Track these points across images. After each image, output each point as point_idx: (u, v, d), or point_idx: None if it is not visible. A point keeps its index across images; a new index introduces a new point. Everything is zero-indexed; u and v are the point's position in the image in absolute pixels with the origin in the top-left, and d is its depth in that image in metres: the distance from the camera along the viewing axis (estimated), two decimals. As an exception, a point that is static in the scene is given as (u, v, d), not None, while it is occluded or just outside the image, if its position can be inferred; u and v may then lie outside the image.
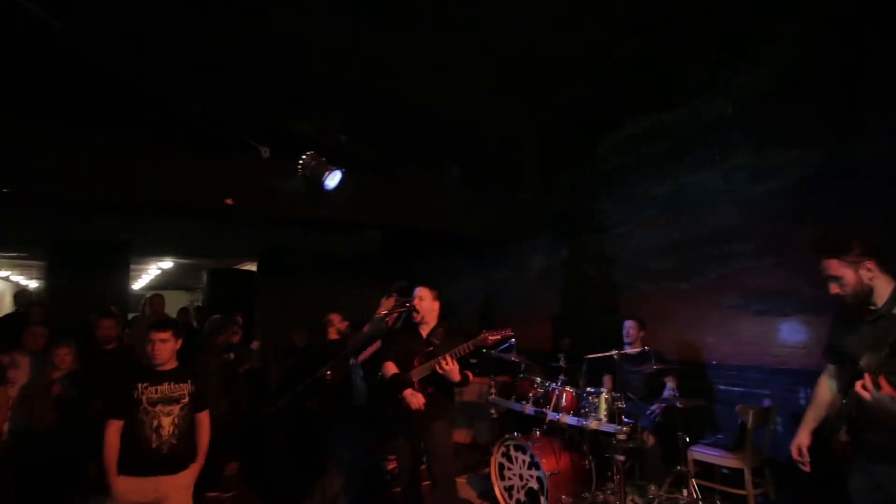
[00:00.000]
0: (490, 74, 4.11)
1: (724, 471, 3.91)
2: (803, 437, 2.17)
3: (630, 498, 3.82)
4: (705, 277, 4.67)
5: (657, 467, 4.00)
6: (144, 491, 2.56)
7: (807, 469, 2.12)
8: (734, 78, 4.40)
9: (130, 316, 7.26)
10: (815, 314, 3.94)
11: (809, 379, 3.95)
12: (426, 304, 3.22)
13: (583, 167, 5.81)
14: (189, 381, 2.77)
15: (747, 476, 3.69)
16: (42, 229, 6.63)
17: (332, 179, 3.89)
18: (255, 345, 5.59)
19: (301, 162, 3.82)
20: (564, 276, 6.03)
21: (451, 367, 2.89)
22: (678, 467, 3.82)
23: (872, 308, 1.99)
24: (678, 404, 3.77)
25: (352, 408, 3.86)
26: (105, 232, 6.80)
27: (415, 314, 3.21)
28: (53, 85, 3.61)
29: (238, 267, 9.60)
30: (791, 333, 4.12)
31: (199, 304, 11.23)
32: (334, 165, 3.86)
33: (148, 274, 12.04)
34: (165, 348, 2.70)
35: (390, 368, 3.22)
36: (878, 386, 1.70)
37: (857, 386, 1.77)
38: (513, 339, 4.27)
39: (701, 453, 3.93)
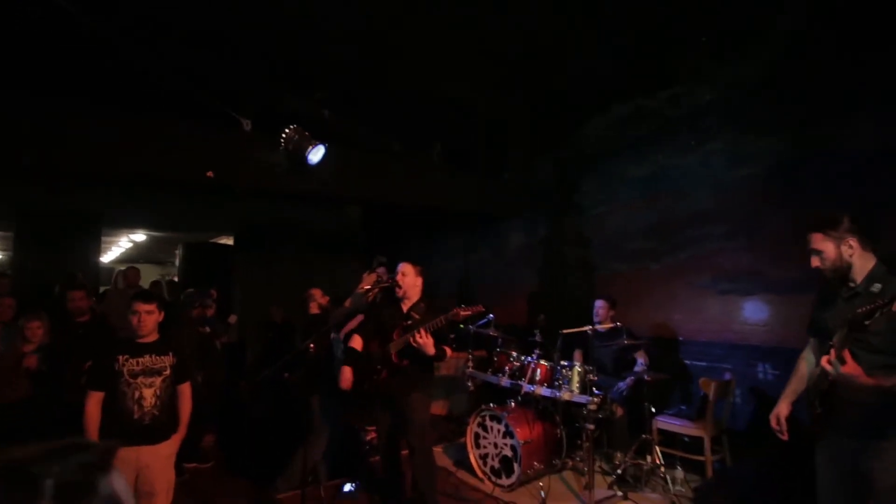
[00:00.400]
0: (480, 55, 4.11)
1: (686, 439, 4.15)
2: (782, 408, 2.20)
3: (598, 464, 4.03)
4: (678, 258, 4.85)
5: (624, 436, 4.22)
6: (126, 461, 2.57)
7: (784, 438, 2.15)
8: (719, 66, 4.50)
9: (102, 289, 7.11)
10: (776, 294, 4.18)
11: (768, 355, 4.24)
12: (409, 279, 3.31)
13: (567, 148, 5.89)
14: (171, 354, 2.77)
15: (706, 444, 3.93)
16: (9, 199, 6.38)
17: (316, 154, 3.87)
18: (232, 319, 5.58)
19: (284, 136, 3.78)
20: (542, 256, 6.16)
21: (424, 341, 2.97)
22: (643, 436, 4.05)
23: (851, 285, 2.03)
24: (646, 377, 3.97)
25: (333, 381, 3.94)
26: (75, 202, 6.60)
27: (397, 289, 3.29)
28: (22, 50, 3.46)
29: (214, 241, 9.45)
30: (753, 312, 4.35)
31: (172, 278, 11.05)
32: (318, 140, 3.83)
33: (119, 246, 11.75)
34: (151, 320, 2.70)
35: (355, 342, 3.37)
36: (841, 360, 1.76)
37: (823, 360, 1.83)
38: (491, 315, 4.41)
39: (665, 423, 4.16)
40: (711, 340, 4.60)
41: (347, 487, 3.77)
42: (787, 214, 4.11)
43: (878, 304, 1.65)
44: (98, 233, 7.46)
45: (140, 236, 10.24)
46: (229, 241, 8.61)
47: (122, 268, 5.97)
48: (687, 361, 4.73)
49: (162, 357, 2.73)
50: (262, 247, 7.70)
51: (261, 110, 3.76)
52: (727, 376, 4.25)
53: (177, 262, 10.36)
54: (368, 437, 4.97)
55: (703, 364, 4.61)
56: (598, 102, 5.52)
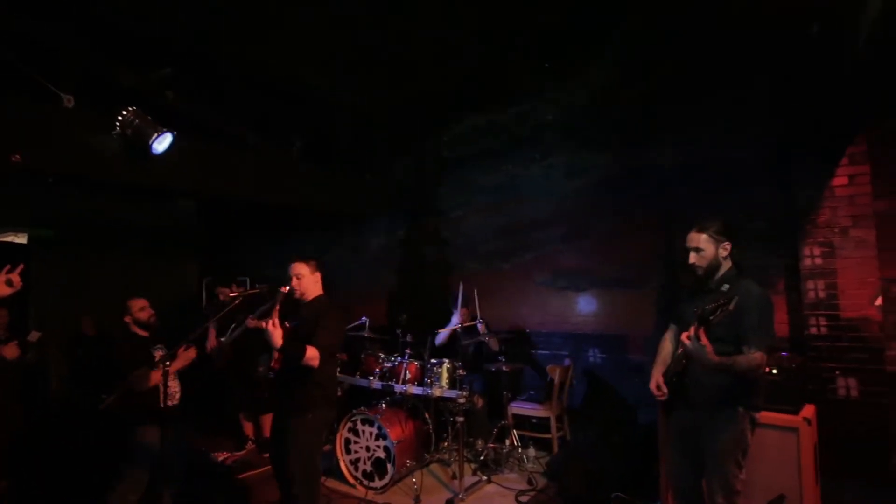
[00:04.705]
0: (339, 51, 3.98)
1: (534, 420, 4.67)
2: (657, 376, 2.51)
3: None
4: (524, 258, 5.42)
5: (484, 424, 4.56)
6: None
7: (663, 398, 2.47)
8: (558, 89, 5.09)
9: None
10: (602, 288, 4.95)
11: (595, 341, 4.98)
12: (306, 280, 2.99)
13: (426, 152, 6.10)
14: None
15: (553, 423, 4.48)
16: None
17: (161, 143, 3.33)
18: (33, 336, 4.51)
19: (120, 119, 3.17)
20: (402, 256, 6.28)
21: (271, 329, 2.57)
22: (502, 422, 4.43)
23: (708, 282, 2.39)
24: (504, 368, 4.34)
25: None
26: None
27: (295, 294, 2.97)
28: None
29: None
30: (585, 305, 5.08)
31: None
32: (162, 126, 3.31)
33: None
34: None
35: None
36: (698, 338, 2.13)
37: (683, 336, 2.21)
38: (364, 318, 4.36)
39: (518, 408, 4.62)
40: (553, 331, 5.23)
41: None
42: (610, 221, 4.90)
43: (720, 303, 2.08)
44: None
45: None
46: (20, 240, 6.90)
47: None
48: (533, 351, 5.30)
49: None
50: (67, 246, 6.37)
51: (87, 85, 3.10)
52: (567, 362, 4.89)
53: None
54: (220, 458, 4.52)
55: (547, 353, 5.22)
56: (455, 112, 5.83)
